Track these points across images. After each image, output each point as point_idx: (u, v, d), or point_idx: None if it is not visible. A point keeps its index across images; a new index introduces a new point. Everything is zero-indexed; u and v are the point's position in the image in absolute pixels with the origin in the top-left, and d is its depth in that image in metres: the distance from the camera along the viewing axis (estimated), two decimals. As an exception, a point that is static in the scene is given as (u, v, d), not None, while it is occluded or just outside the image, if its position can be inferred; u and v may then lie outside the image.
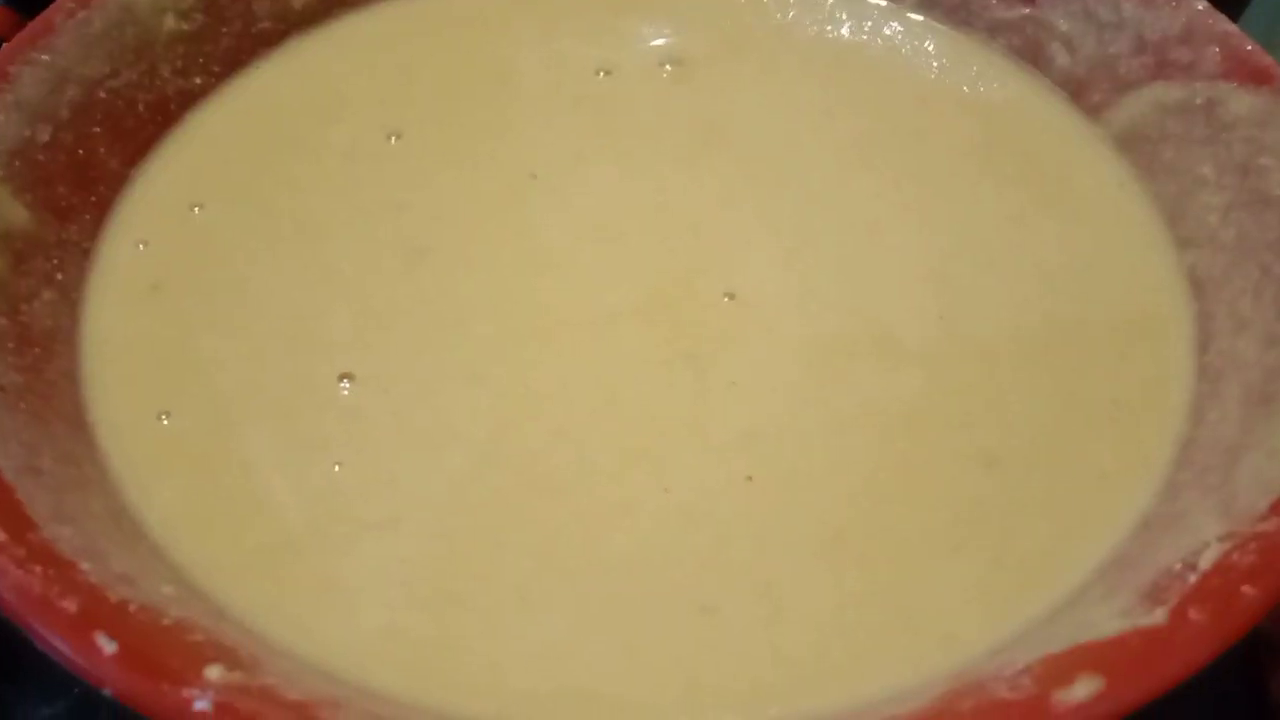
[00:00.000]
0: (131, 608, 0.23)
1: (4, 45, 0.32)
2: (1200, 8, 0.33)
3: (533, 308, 0.32)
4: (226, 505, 0.28)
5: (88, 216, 0.33)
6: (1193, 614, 0.22)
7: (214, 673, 0.21)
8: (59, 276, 0.31)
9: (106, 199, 0.33)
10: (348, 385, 0.30)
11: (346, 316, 0.31)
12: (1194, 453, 0.27)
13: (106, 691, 0.21)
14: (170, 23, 0.35)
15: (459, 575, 0.27)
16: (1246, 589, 0.22)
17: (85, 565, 0.23)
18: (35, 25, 0.33)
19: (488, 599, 0.27)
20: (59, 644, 0.21)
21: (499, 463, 0.29)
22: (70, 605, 0.22)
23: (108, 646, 0.21)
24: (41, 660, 0.36)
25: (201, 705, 0.20)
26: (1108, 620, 0.23)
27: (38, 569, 0.22)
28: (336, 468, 0.28)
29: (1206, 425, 0.28)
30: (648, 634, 0.26)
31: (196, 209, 0.34)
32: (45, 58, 0.33)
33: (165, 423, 0.29)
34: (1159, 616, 0.22)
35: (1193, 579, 0.23)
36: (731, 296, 0.32)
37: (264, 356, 0.31)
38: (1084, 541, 0.27)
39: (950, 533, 0.27)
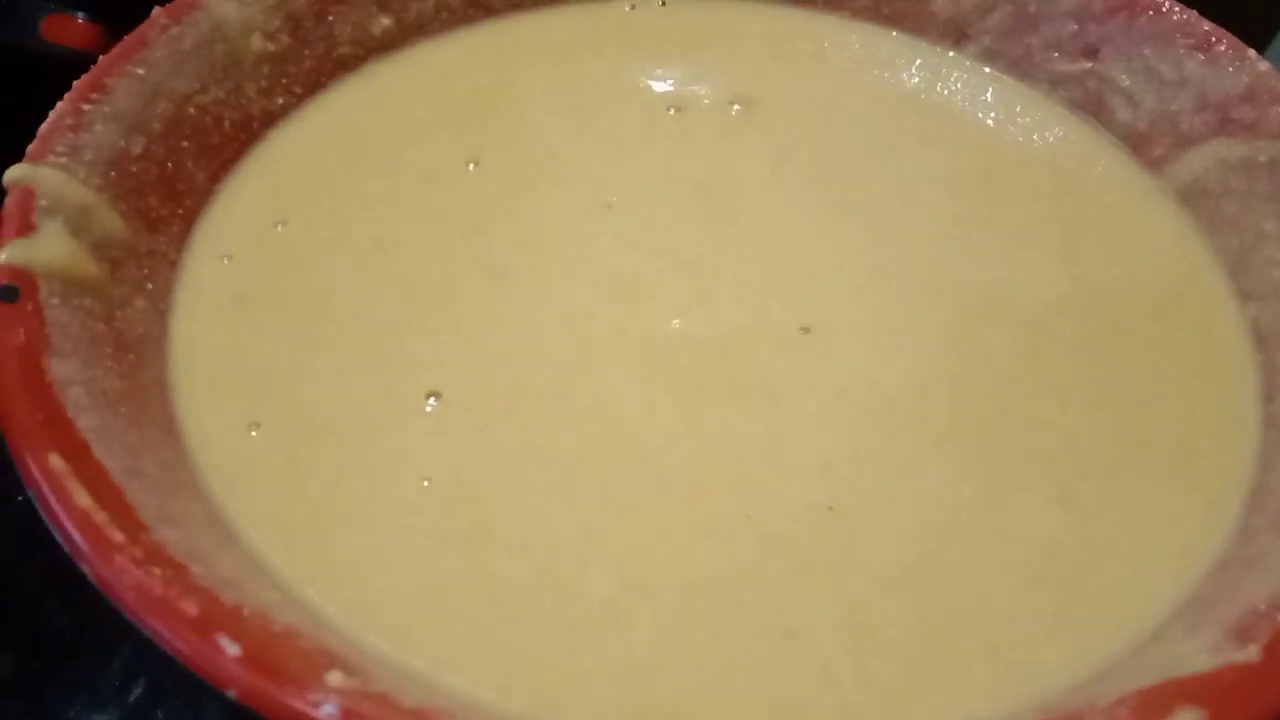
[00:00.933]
0: (245, 611, 0.23)
1: (100, 58, 0.33)
2: (1264, 69, 0.34)
3: (610, 333, 0.32)
4: (316, 516, 0.28)
5: (175, 228, 0.33)
6: (1287, 651, 0.22)
7: (335, 678, 0.22)
8: (149, 286, 0.32)
9: (193, 211, 0.34)
10: (434, 402, 0.30)
11: (429, 335, 0.32)
12: (1266, 498, 0.28)
13: (231, 693, 0.21)
14: (257, 43, 0.36)
15: (545, 592, 0.27)
16: (1338, 629, 0.22)
17: (196, 568, 0.24)
18: (131, 39, 0.34)
19: (573, 616, 0.27)
20: (181, 645, 0.22)
21: (582, 483, 0.29)
22: (190, 607, 0.22)
23: (231, 648, 0.22)
24: (95, 667, 0.36)
25: (328, 710, 0.21)
26: (1196, 656, 0.24)
27: (155, 570, 0.23)
28: (425, 483, 0.29)
29: (1277, 472, 0.29)
30: (733, 655, 0.26)
31: (279, 226, 0.34)
32: (140, 71, 0.33)
33: (254, 434, 0.30)
34: (1252, 653, 0.23)
35: (1281, 618, 0.23)
36: (806, 330, 0.32)
37: (350, 372, 0.31)
38: (1160, 581, 0.27)
39: (1028, 567, 0.28)
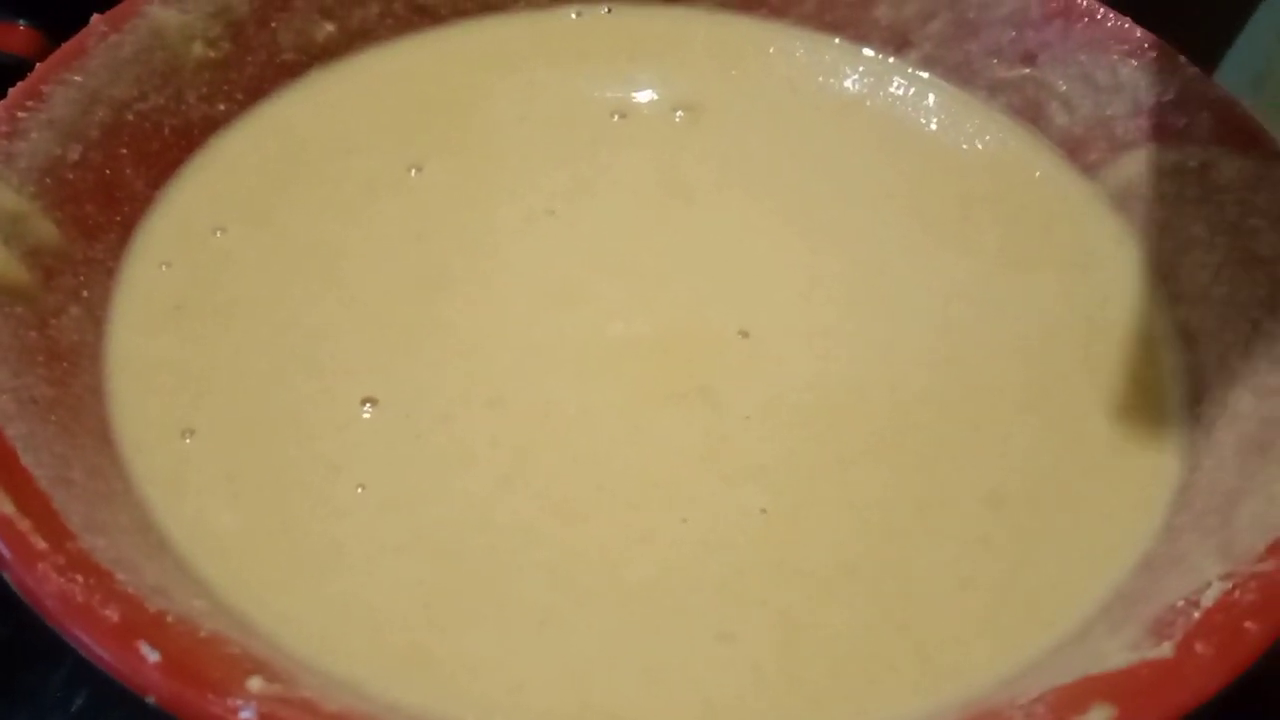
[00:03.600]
0: (169, 619, 0.23)
1: (38, 65, 0.33)
2: (1192, 74, 0.35)
3: (550, 339, 0.33)
4: (250, 523, 0.28)
5: (113, 236, 0.33)
6: (1199, 647, 0.23)
7: (255, 684, 0.22)
8: (85, 294, 0.31)
9: (131, 219, 0.34)
10: (370, 409, 0.30)
11: (367, 342, 0.32)
12: (1192, 497, 0.29)
13: (150, 699, 0.21)
14: (198, 50, 0.36)
15: (480, 597, 0.27)
16: (1249, 625, 0.23)
17: (121, 576, 0.24)
18: (69, 47, 0.34)
19: (508, 621, 0.27)
20: (102, 652, 0.22)
21: (518, 488, 0.29)
22: (112, 614, 0.22)
23: (151, 655, 0.22)
24: (37, 677, 0.36)
25: (246, 715, 0.21)
26: (1116, 653, 0.24)
27: (79, 578, 0.23)
28: (359, 489, 0.29)
29: (1203, 471, 0.29)
30: (666, 658, 0.27)
31: (218, 233, 0.34)
32: (77, 79, 0.33)
33: (188, 442, 0.30)
34: (1166, 650, 0.23)
35: (1197, 615, 0.24)
36: (745, 334, 0.33)
37: (286, 380, 0.31)
38: (1087, 579, 0.28)
39: (959, 568, 0.28)
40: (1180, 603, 0.24)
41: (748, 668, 0.27)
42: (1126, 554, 0.28)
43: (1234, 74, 0.46)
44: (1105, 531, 0.29)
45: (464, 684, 0.26)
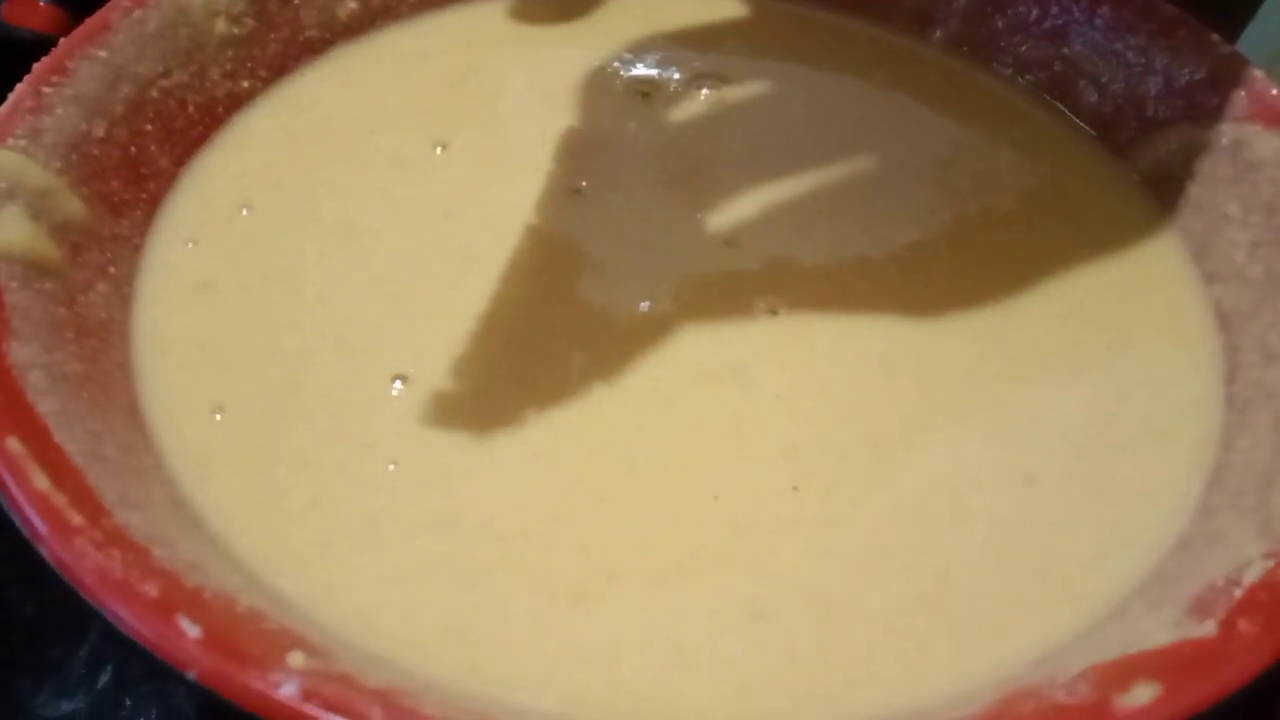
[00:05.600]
0: (207, 594, 0.23)
1: (61, 40, 0.33)
2: (1225, 52, 0.35)
3: (578, 317, 0.32)
4: (282, 500, 0.28)
5: (139, 212, 0.33)
6: (1243, 625, 0.23)
7: (297, 659, 0.22)
8: (112, 270, 0.31)
9: (156, 196, 0.34)
10: (400, 385, 0.30)
11: (397, 319, 0.32)
12: (1227, 477, 0.29)
13: (191, 675, 0.21)
14: (221, 26, 0.36)
15: (511, 576, 0.27)
16: (1293, 603, 0.23)
17: (157, 551, 0.24)
18: (93, 22, 0.33)
19: (540, 599, 0.27)
20: (142, 627, 0.22)
21: (549, 466, 0.29)
22: (151, 589, 0.22)
23: (191, 630, 0.21)
24: (61, 654, 0.36)
25: (288, 690, 0.21)
26: (1156, 632, 0.24)
27: (116, 553, 0.23)
28: (391, 466, 0.29)
29: (1238, 452, 0.29)
30: (698, 638, 0.27)
31: (244, 210, 0.34)
32: (102, 54, 0.33)
33: (218, 418, 0.29)
34: (1209, 628, 0.23)
35: (1239, 593, 0.24)
36: (774, 313, 0.33)
37: (316, 357, 0.31)
38: (1122, 558, 0.28)
39: (992, 547, 0.28)
40: (1221, 582, 0.24)
41: (781, 647, 0.26)
42: (1162, 534, 0.28)
43: (1251, 50, 0.46)
44: (1140, 511, 0.29)
45: (497, 662, 0.26)
